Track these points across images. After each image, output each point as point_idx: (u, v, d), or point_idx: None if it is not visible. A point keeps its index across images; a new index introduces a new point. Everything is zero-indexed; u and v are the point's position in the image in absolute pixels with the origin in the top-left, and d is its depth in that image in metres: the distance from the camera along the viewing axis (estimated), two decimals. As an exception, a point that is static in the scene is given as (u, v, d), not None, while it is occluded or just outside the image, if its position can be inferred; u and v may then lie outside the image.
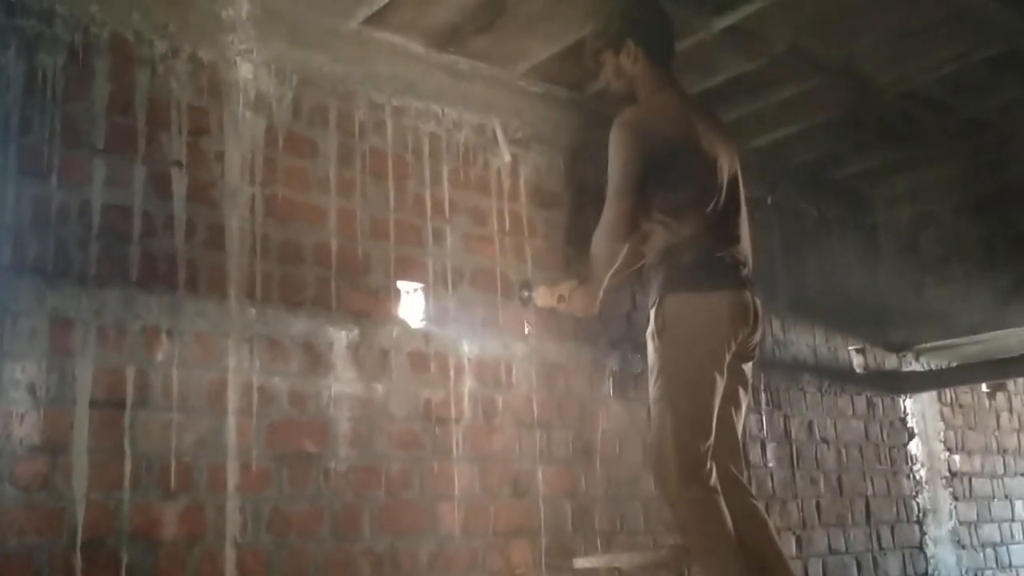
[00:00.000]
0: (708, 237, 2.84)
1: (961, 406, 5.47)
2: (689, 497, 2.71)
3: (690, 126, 2.92)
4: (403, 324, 3.25)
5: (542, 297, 3.04)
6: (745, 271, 2.92)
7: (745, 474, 3.02)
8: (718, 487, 2.76)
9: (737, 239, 2.93)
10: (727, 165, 2.97)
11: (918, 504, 4.95)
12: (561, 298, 2.99)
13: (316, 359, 3.01)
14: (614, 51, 3.00)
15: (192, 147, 2.92)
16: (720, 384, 2.79)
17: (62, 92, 2.72)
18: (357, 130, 3.30)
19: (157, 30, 2.92)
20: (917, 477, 5.00)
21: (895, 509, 4.81)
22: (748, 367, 2.99)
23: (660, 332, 2.80)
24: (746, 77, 3.78)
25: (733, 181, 2.99)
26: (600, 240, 2.88)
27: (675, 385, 2.77)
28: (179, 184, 2.88)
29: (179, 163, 2.89)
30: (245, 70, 3.08)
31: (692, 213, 2.83)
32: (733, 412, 2.94)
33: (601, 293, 2.95)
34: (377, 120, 3.36)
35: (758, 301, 2.91)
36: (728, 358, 2.83)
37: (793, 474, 4.36)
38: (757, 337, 2.97)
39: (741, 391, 2.96)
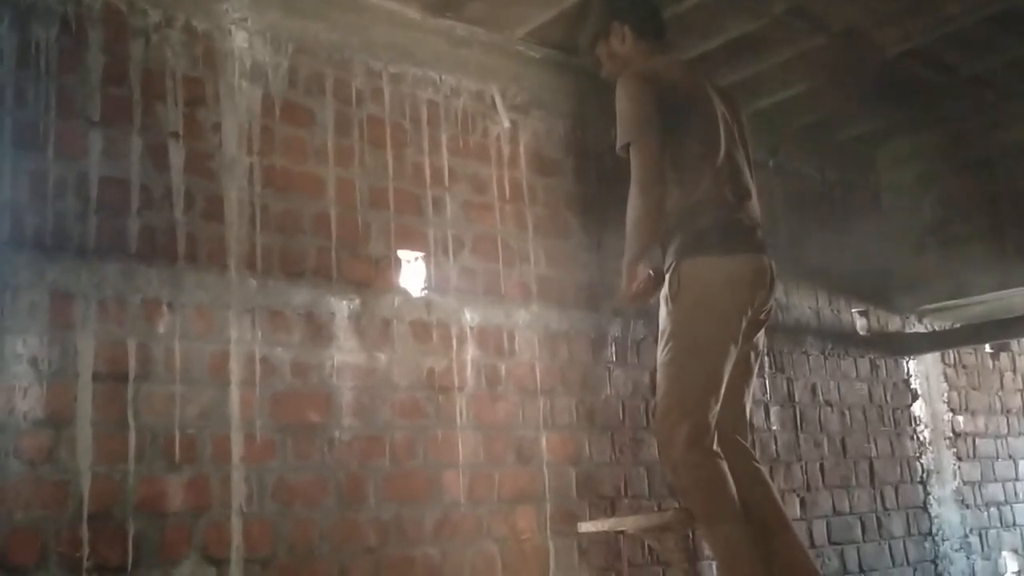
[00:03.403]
0: (722, 195, 2.82)
1: (964, 367, 5.47)
2: (692, 462, 2.71)
3: (695, 79, 2.94)
4: (404, 293, 3.24)
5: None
6: (761, 233, 2.90)
7: (749, 438, 3.02)
8: (720, 452, 2.76)
9: (750, 195, 2.92)
10: (732, 119, 2.96)
11: (922, 465, 4.96)
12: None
13: (318, 329, 3.01)
14: (604, 38, 3.07)
15: (188, 118, 2.90)
16: (733, 352, 2.78)
17: (56, 64, 2.70)
18: (354, 98, 3.27)
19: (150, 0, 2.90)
20: (921, 438, 5.01)
21: (899, 470, 4.83)
22: (761, 334, 2.98)
23: (675, 296, 2.78)
24: (747, 38, 3.74)
25: (740, 136, 2.98)
26: (638, 194, 2.78)
27: (686, 350, 2.76)
28: (176, 155, 2.86)
29: (176, 134, 2.86)
30: (240, 39, 3.05)
31: (703, 166, 2.82)
32: (742, 379, 2.93)
33: (644, 266, 2.82)
34: (374, 88, 3.34)
35: (773, 265, 2.90)
36: (744, 325, 2.81)
37: (797, 437, 4.37)
38: (771, 303, 2.96)
39: (752, 357, 2.96)
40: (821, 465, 4.44)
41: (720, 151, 2.85)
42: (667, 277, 2.82)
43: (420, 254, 3.32)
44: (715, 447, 2.74)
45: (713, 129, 2.88)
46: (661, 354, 2.82)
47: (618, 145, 2.84)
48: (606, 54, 3.11)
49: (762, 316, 2.92)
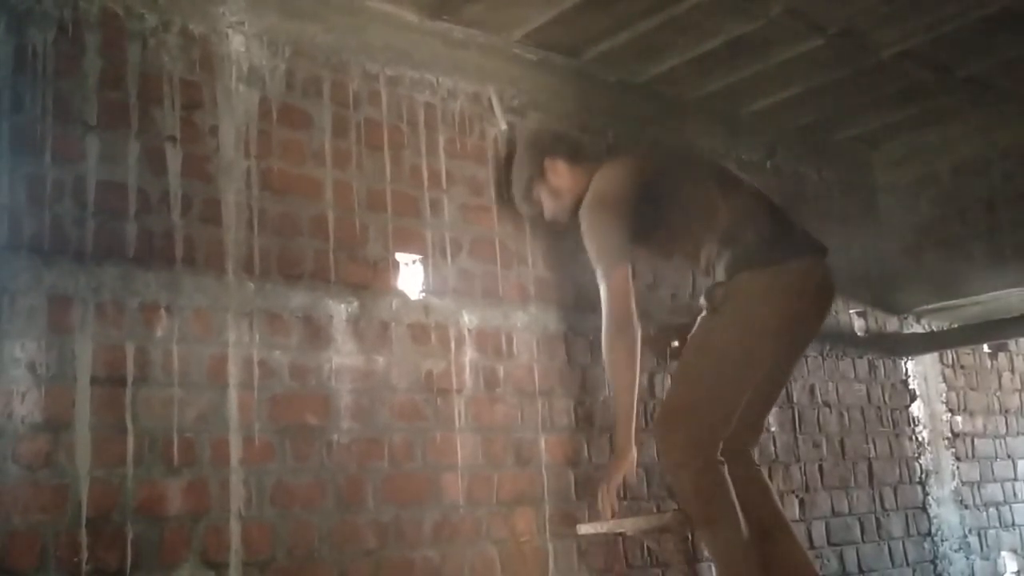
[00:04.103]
0: (748, 216, 2.81)
1: (963, 367, 5.47)
2: (694, 467, 2.70)
3: (643, 160, 2.98)
4: (402, 296, 3.24)
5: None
6: (802, 235, 2.85)
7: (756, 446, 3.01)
8: (721, 458, 2.75)
9: (769, 205, 2.91)
10: (703, 165, 3.01)
11: (920, 465, 4.96)
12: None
13: (316, 332, 3.01)
14: (541, 179, 3.19)
15: (185, 121, 2.90)
16: (759, 374, 2.72)
17: (53, 68, 2.69)
18: (352, 101, 3.27)
19: (147, 3, 2.89)
20: (919, 438, 5.01)
21: (898, 471, 4.83)
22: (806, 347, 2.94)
23: (719, 307, 2.73)
24: (744, 40, 3.74)
25: (721, 173, 2.98)
26: (615, 334, 2.81)
27: (713, 364, 2.71)
28: (174, 159, 2.86)
29: (173, 138, 2.86)
30: (237, 42, 3.05)
31: (719, 205, 2.81)
32: (771, 395, 2.89)
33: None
34: (371, 90, 3.34)
35: (828, 269, 2.83)
36: (786, 340, 2.75)
37: (795, 438, 4.37)
38: (827, 312, 2.90)
39: (789, 369, 2.92)
40: (820, 466, 4.44)
41: (718, 180, 2.86)
42: (711, 292, 2.76)
43: (418, 256, 3.32)
44: (717, 455, 2.73)
45: (699, 175, 2.89)
46: (687, 356, 2.79)
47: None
48: (547, 194, 3.18)
49: (814, 330, 2.85)
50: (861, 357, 4.86)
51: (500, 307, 3.48)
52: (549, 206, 3.22)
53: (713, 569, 3.59)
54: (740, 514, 2.72)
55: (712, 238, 2.79)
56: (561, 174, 3.15)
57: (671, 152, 3.11)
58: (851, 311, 4.91)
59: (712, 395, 2.70)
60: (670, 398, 2.79)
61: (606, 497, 3.04)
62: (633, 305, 2.80)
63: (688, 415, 2.69)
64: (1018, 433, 5.66)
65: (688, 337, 2.87)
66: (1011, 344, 5.76)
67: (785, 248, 2.75)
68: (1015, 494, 5.49)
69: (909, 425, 4.99)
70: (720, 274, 2.78)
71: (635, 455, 2.92)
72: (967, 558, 5.00)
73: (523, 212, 3.39)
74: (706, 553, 3.64)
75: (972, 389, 5.49)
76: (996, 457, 5.46)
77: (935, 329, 5.28)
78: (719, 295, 2.73)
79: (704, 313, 2.80)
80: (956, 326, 5.33)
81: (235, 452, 2.77)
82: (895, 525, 4.70)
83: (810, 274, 2.77)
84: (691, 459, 2.69)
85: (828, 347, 4.69)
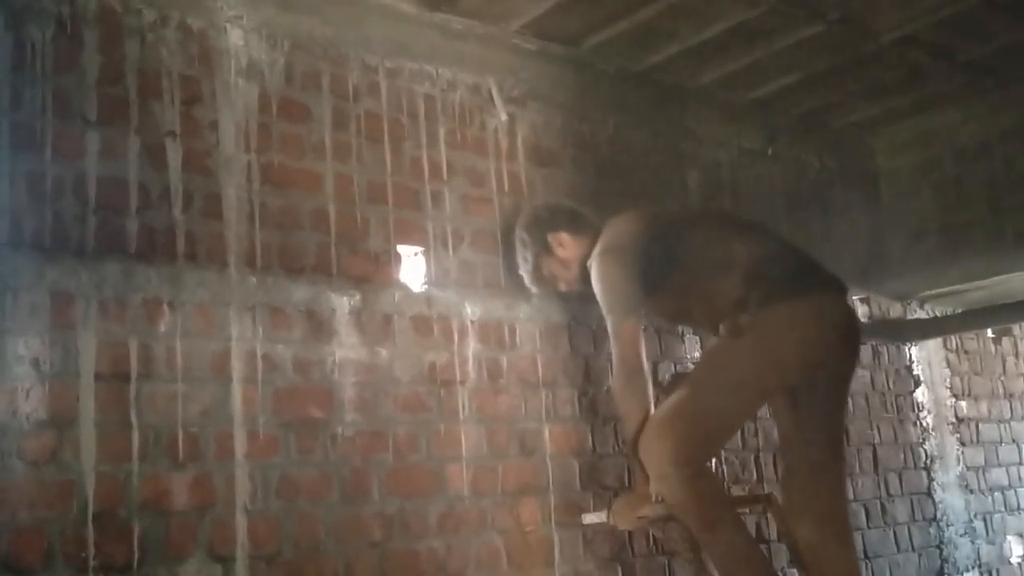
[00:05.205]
0: (777, 253, 2.80)
1: (967, 352, 5.47)
2: (683, 475, 2.66)
3: (651, 212, 2.99)
4: (405, 288, 3.24)
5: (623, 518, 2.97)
6: (825, 273, 2.85)
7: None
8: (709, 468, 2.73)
9: (787, 244, 2.91)
10: (714, 215, 3.03)
11: (925, 451, 4.96)
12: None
13: (319, 326, 3.01)
14: (548, 254, 3.21)
15: (185, 116, 2.90)
16: (761, 405, 2.70)
17: (52, 65, 2.69)
18: (351, 94, 3.27)
19: (145, -1, 2.89)
20: (924, 424, 5.01)
21: (902, 456, 4.83)
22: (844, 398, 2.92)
23: (737, 333, 2.70)
24: (743, 27, 3.73)
25: (735, 219, 2.98)
26: (625, 383, 2.80)
27: (726, 383, 2.67)
28: (174, 154, 2.86)
29: (173, 133, 2.86)
30: (236, 36, 3.05)
31: (734, 247, 2.81)
32: (827, 441, 2.85)
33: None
34: (371, 83, 3.33)
35: (853, 309, 2.82)
36: (817, 373, 2.71)
37: (800, 425, 4.36)
38: (854, 359, 2.87)
39: (839, 415, 2.89)
40: (824, 453, 4.44)
41: (732, 224, 2.86)
42: (737, 318, 2.73)
43: (420, 248, 3.31)
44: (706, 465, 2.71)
45: (712, 224, 2.90)
46: (695, 371, 2.78)
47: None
48: (557, 267, 3.19)
49: (847, 366, 2.83)
50: (865, 343, 4.84)
51: (502, 298, 3.48)
52: (561, 277, 3.25)
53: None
54: (739, 516, 2.69)
55: (734, 281, 2.77)
56: (567, 245, 3.18)
57: (680, 207, 3.14)
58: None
59: (713, 411, 2.67)
60: (665, 407, 2.76)
61: (621, 523, 3.02)
62: (643, 354, 2.82)
63: (684, 425, 2.66)
64: (1022, 417, 5.66)
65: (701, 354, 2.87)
66: (1015, 328, 5.76)
67: (808, 283, 2.76)
68: (1020, 478, 5.49)
69: (913, 411, 4.99)
70: (749, 306, 2.74)
71: (652, 497, 2.89)
72: (972, 543, 5.01)
73: (536, 290, 3.42)
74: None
75: (976, 374, 5.49)
76: (1001, 442, 5.47)
77: (938, 314, 5.28)
78: (745, 322, 2.70)
79: (722, 334, 2.77)
80: (959, 311, 5.33)
81: (240, 446, 2.77)
82: (900, 511, 4.70)
83: (833, 309, 2.78)
84: (679, 468, 2.65)
85: (831, 334, 4.68)
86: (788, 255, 2.85)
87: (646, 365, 2.82)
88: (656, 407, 2.80)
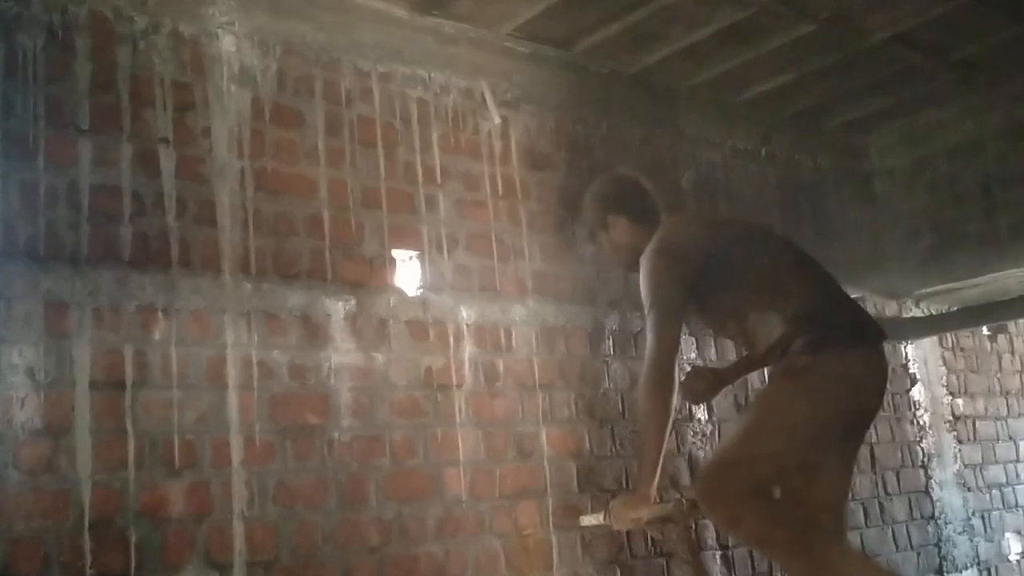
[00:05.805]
0: (833, 299, 2.80)
1: (963, 350, 5.47)
2: (749, 507, 2.61)
3: (719, 221, 2.98)
4: (400, 292, 3.24)
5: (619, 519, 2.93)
6: (875, 327, 2.85)
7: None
8: None
9: (843, 291, 2.90)
10: (780, 242, 3.01)
11: (922, 449, 4.96)
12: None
13: (314, 331, 3.01)
14: (603, 230, 3.16)
15: (178, 123, 2.90)
16: (818, 453, 2.69)
17: (44, 73, 2.69)
18: (344, 99, 3.27)
19: (136, 6, 2.89)
20: (921, 422, 5.01)
21: (900, 455, 4.83)
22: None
23: (795, 375, 2.67)
24: (735, 28, 3.73)
25: (799, 253, 2.95)
26: (653, 383, 2.74)
27: (780, 430, 2.64)
28: (167, 161, 2.85)
29: (166, 140, 2.86)
30: (228, 43, 3.05)
31: (787, 279, 2.78)
32: (841, 484, 2.86)
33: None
34: (364, 88, 3.33)
35: (887, 359, 2.83)
36: (845, 426, 2.72)
37: (797, 425, 4.36)
38: (880, 401, 2.87)
39: (854, 455, 2.90)
40: (822, 452, 4.44)
41: (791, 258, 2.84)
42: (796, 357, 2.70)
43: (414, 253, 3.31)
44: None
45: (776, 251, 2.88)
46: (749, 413, 2.76)
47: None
48: (608, 243, 3.18)
49: (875, 414, 2.86)
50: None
51: (498, 301, 3.48)
52: (612, 254, 3.23)
53: (716, 558, 3.61)
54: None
55: (780, 319, 2.74)
56: (623, 231, 3.14)
57: (742, 224, 3.13)
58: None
59: (766, 456, 2.64)
60: (722, 452, 2.74)
61: (618, 523, 3.00)
62: (676, 360, 2.79)
63: (739, 470, 2.64)
64: (1019, 414, 5.67)
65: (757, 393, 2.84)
66: (1010, 326, 5.76)
67: (862, 335, 2.75)
68: (1018, 475, 5.49)
69: (910, 409, 5.00)
70: (798, 348, 2.72)
71: (652, 499, 2.87)
72: (971, 540, 5.01)
73: (585, 250, 3.43)
74: (710, 542, 3.65)
75: (972, 371, 5.49)
76: (998, 439, 5.47)
77: (934, 312, 5.28)
78: (803, 362, 2.67)
79: (777, 370, 2.75)
80: (955, 309, 5.34)
81: (236, 453, 2.77)
82: (898, 509, 4.70)
83: (880, 361, 2.78)
84: (746, 511, 2.62)
85: (827, 333, 4.69)
86: (843, 302, 2.85)
87: (677, 371, 2.80)
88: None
